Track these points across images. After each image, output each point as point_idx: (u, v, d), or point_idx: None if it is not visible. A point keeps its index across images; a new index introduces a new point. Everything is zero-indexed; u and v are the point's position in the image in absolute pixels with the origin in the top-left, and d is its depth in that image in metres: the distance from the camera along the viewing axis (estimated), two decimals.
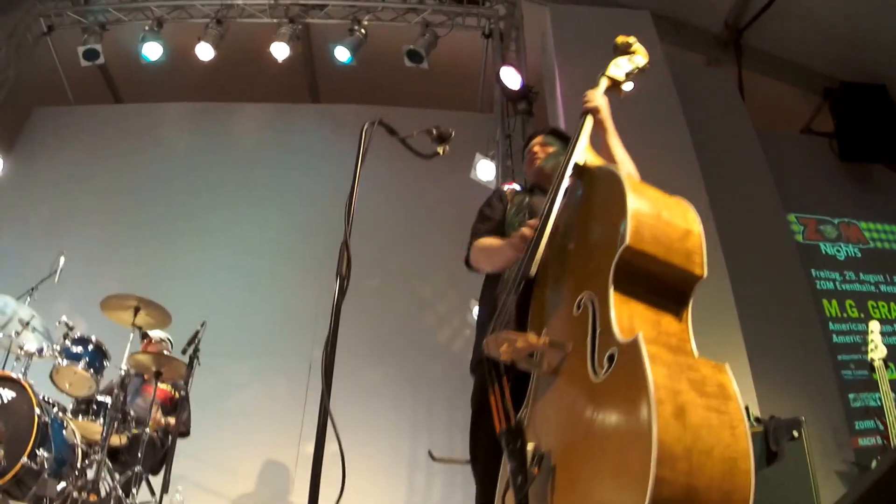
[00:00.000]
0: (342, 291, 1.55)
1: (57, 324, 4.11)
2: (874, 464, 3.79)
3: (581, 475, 1.41)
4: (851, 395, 5.36)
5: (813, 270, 6.00)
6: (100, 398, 4.06)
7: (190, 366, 4.09)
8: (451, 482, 5.26)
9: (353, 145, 1.99)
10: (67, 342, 4.05)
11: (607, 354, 1.42)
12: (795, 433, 3.12)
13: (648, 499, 1.14)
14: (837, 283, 6.02)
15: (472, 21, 6.91)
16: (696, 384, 1.29)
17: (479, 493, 2.17)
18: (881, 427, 4.04)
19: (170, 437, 4.17)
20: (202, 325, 4.22)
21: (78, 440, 3.83)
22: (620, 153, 2.31)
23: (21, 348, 3.95)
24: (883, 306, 5.98)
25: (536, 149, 2.63)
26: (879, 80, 6.79)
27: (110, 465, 3.90)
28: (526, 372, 1.80)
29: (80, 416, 3.98)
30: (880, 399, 3.80)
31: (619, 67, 2.28)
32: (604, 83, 2.27)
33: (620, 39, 2.33)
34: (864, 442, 5.09)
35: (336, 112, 7.39)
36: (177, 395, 4.52)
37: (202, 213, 6.57)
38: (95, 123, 7.33)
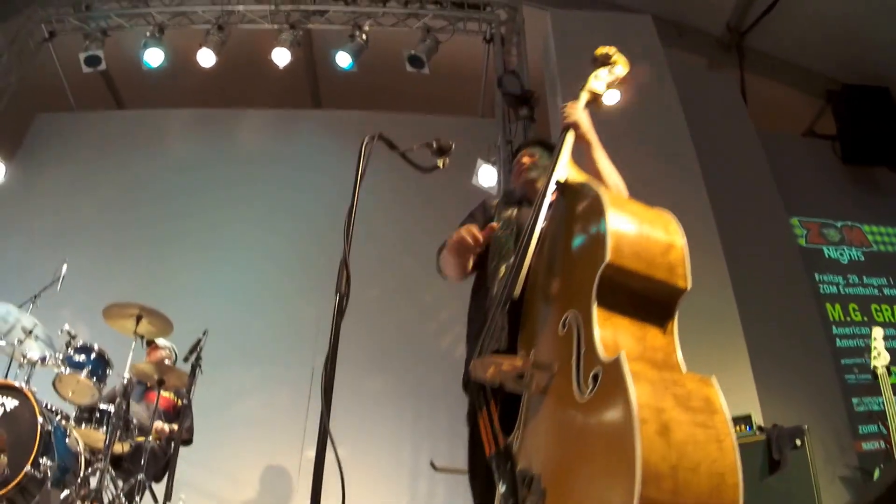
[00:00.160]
0: (341, 311, 1.54)
1: (60, 332, 4.11)
2: (877, 473, 3.78)
3: (571, 497, 1.40)
4: (855, 400, 5.35)
5: (816, 274, 6.00)
6: (102, 406, 4.06)
7: (192, 374, 4.10)
8: (453, 492, 5.24)
9: (356, 150, 1.98)
10: (70, 351, 4.04)
11: (592, 374, 1.41)
12: (798, 442, 3.12)
13: None
14: (841, 287, 6.01)
15: (474, 26, 6.91)
16: (681, 399, 1.29)
17: None
18: (885, 431, 4.04)
19: (172, 445, 4.18)
20: (204, 334, 4.22)
21: (81, 448, 3.83)
22: (606, 167, 2.27)
23: (24, 356, 3.96)
24: (886, 309, 5.97)
25: (525, 160, 2.61)
26: (882, 82, 6.79)
27: (113, 473, 3.91)
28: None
29: (83, 425, 3.97)
30: (883, 404, 3.80)
31: (600, 80, 2.25)
32: (584, 97, 2.24)
33: (600, 50, 2.29)
34: (867, 446, 5.08)
35: (338, 117, 7.39)
36: (179, 402, 4.53)
37: (204, 219, 6.55)
38: (98, 129, 7.35)
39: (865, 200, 6.63)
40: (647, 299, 1.56)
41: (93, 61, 6.68)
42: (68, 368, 3.99)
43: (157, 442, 4.23)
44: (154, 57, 6.65)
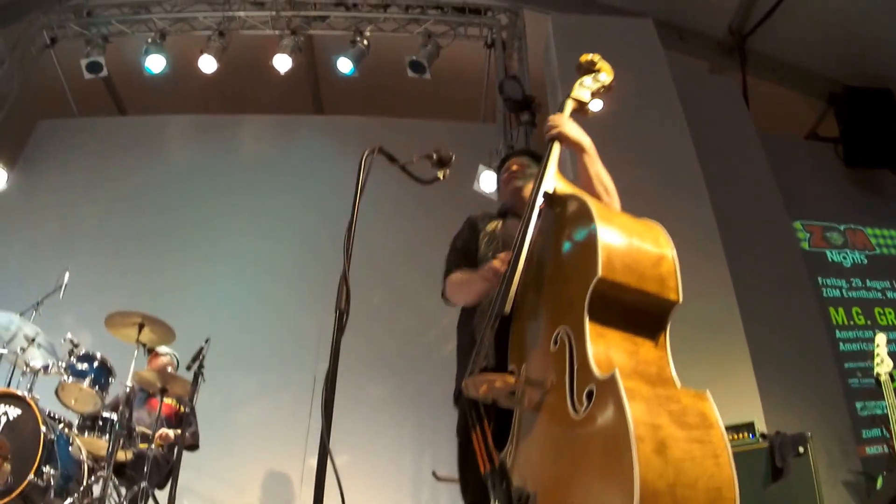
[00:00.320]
0: (341, 328, 1.53)
1: (62, 341, 4.12)
2: (880, 480, 3.76)
3: None
4: (858, 404, 5.32)
5: (819, 278, 5.97)
6: (105, 414, 4.07)
7: (195, 382, 4.10)
8: (456, 501, 5.22)
9: (357, 156, 1.96)
10: (73, 359, 4.05)
11: (586, 391, 1.41)
12: (801, 449, 3.10)
13: None
14: (844, 291, 5.98)
15: (475, 31, 6.91)
16: (677, 416, 1.29)
17: None
18: (888, 435, 4.03)
19: (175, 452, 4.18)
20: (206, 342, 4.22)
21: (84, 456, 3.84)
22: (596, 173, 2.21)
23: (27, 365, 3.97)
24: (890, 313, 5.94)
25: (515, 167, 2.57)
26: (885, 85, 6.75)
27: (116, 480, 3.92)
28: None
29: (86, 433, 3.99)
30: (887, 408, 3.78)
31: (585, 88, 2.22)
32: (570, 105, 2.21)
33: (584, 58, 2.27)
34: (871, 451, 5.06)
35: (340, 123, 7.40)
36: (182, 409, 4.53)
37: (206, 227, 6.55)
38: (100, 135, 7.35)
39: (868, 203, 6.60)
40: (639, 312, 1.56)
41: (94, 67, 6.70)
42: (71, 377, 4.00)
43: (161, 448, 4.23)
44: (155, 63, 6.67)
